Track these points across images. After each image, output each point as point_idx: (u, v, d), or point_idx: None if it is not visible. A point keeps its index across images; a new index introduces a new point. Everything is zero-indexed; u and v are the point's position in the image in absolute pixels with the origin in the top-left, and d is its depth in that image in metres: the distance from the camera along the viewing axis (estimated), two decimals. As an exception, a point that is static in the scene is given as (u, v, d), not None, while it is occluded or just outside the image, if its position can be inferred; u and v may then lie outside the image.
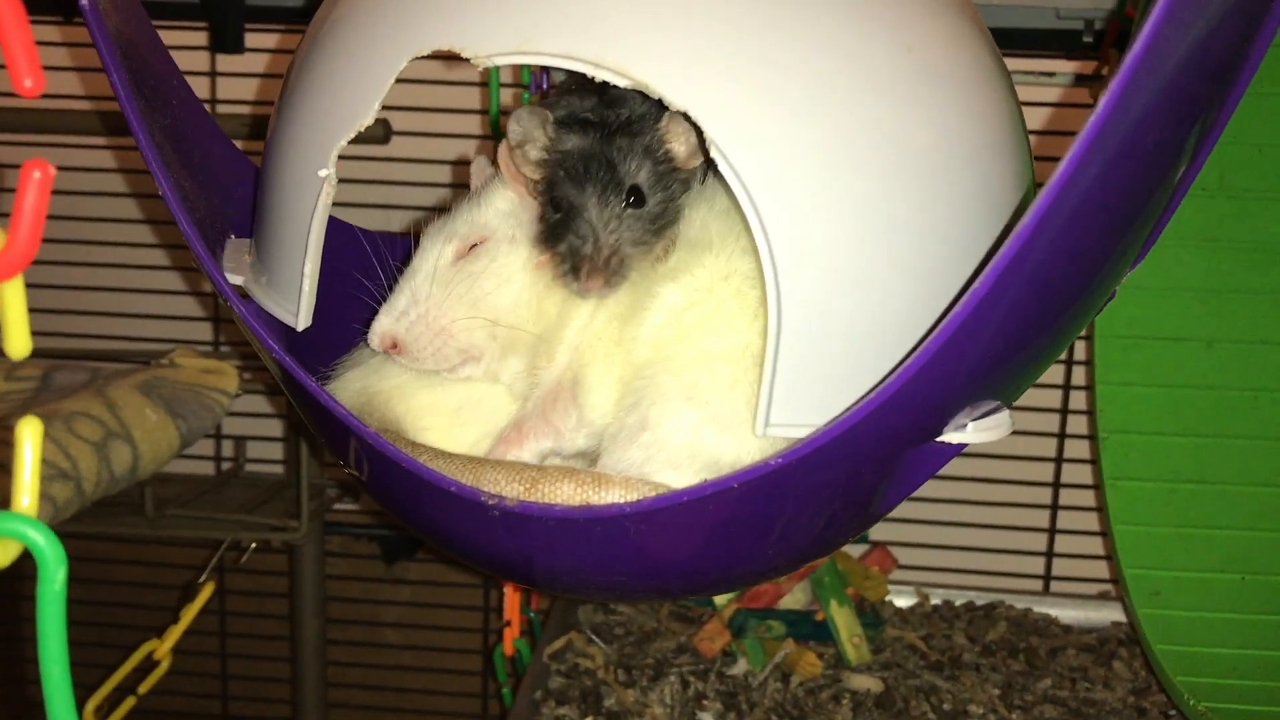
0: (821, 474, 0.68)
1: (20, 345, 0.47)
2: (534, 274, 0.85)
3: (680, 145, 0.81)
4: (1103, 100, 0.53)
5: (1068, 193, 0.56)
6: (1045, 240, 0.58)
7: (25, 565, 0.46)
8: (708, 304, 0.79)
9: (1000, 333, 0.64)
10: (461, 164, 1.50)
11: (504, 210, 0.87)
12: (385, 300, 0.87)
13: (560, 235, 0.80)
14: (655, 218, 0.81)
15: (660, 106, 0.80)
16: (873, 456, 0.69)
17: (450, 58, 0.69)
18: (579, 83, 0.85)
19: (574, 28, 0.67)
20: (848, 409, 0.64)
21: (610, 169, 0.80)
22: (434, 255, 0.86)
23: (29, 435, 0.46)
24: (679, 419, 0.77)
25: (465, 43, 0.68)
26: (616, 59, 0.65)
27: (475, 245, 0.87)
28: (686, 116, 0.66)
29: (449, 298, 0.85)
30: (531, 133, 0.82)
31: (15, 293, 0.46)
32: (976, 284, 0.59)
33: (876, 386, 0.64)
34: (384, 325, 0.85)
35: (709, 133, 0.65)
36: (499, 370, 0.87)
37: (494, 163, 0.90)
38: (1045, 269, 0.61)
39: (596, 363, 0.83)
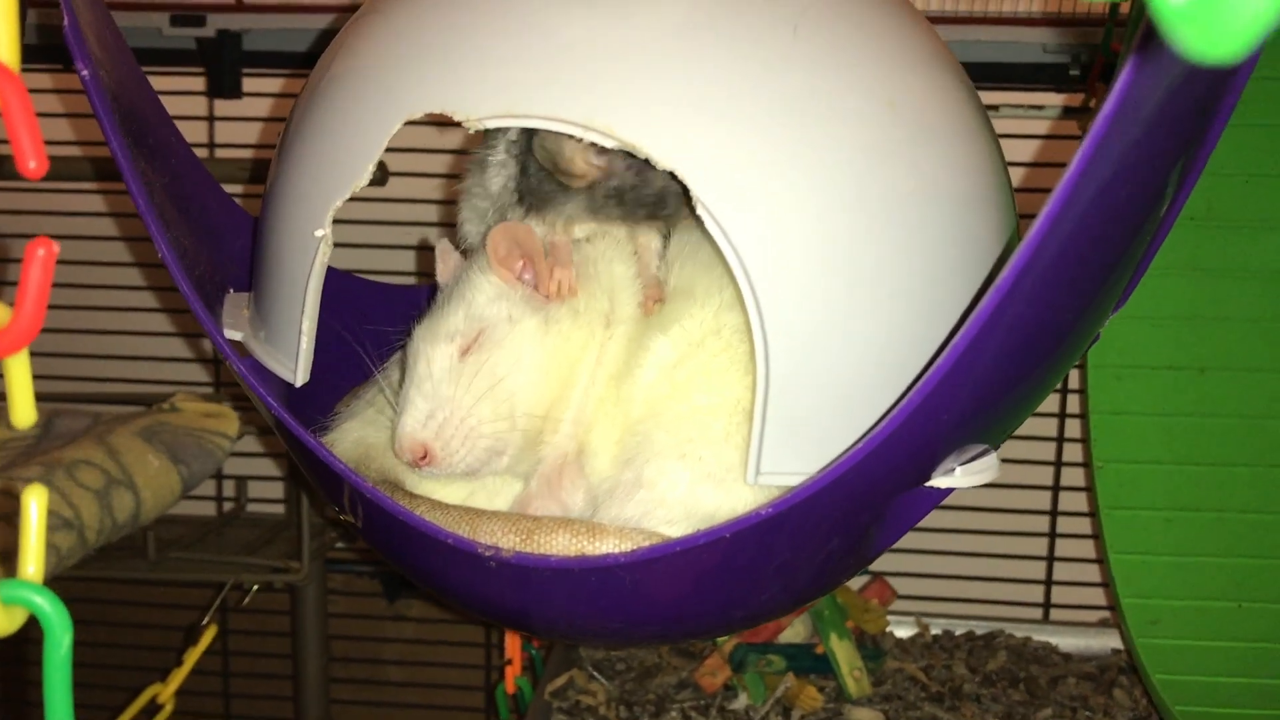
0: (813, 521, 0.69)
1: (25, 416, 0.48)
2: (542, 343, 0.84)
3: None
4: (1076, 157, 0.54)
5: (1046, 246, 0.57)
6: (1025, 291, 0.59)
7: (30, 628, 0.47)
8: (698, 358, 0.81)
9: (985, 380, 0.65)
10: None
11: (492, 295, 0.85)
12: (396, 406, 0.85)
13: (540, 160, 0.81)
14: (637, 190, 0.82)
15: None
16: (863, 503, 0.70)
17: (442, 120, 0.71)
18: None
19: (562, 90, 0.68)
20: (837, 458, 0.66)
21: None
22: (440, 356, 0.84)
23: (35, 502, 0.47)
24: (674, 477, 0.78)
25: (457, 106, 0.69)
26: (604, 120, 0.67)
27: (477, 336, 0.84)
28: (673, 176, 0.67)
29: (471, 395, 0.82)
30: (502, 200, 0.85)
31: (21, 366, 0.48)
32: (959, 335, 0.60)
33: (865, 435, 0.65)
34: (411, 434, 0.81)
35: (695, 191, 0.67)
36: (520, 463, 0.86)
37: (462, 249, 0.92)
38: (1027, 318, 0.63)
39: (599, 426, 0.83)
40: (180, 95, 1.51)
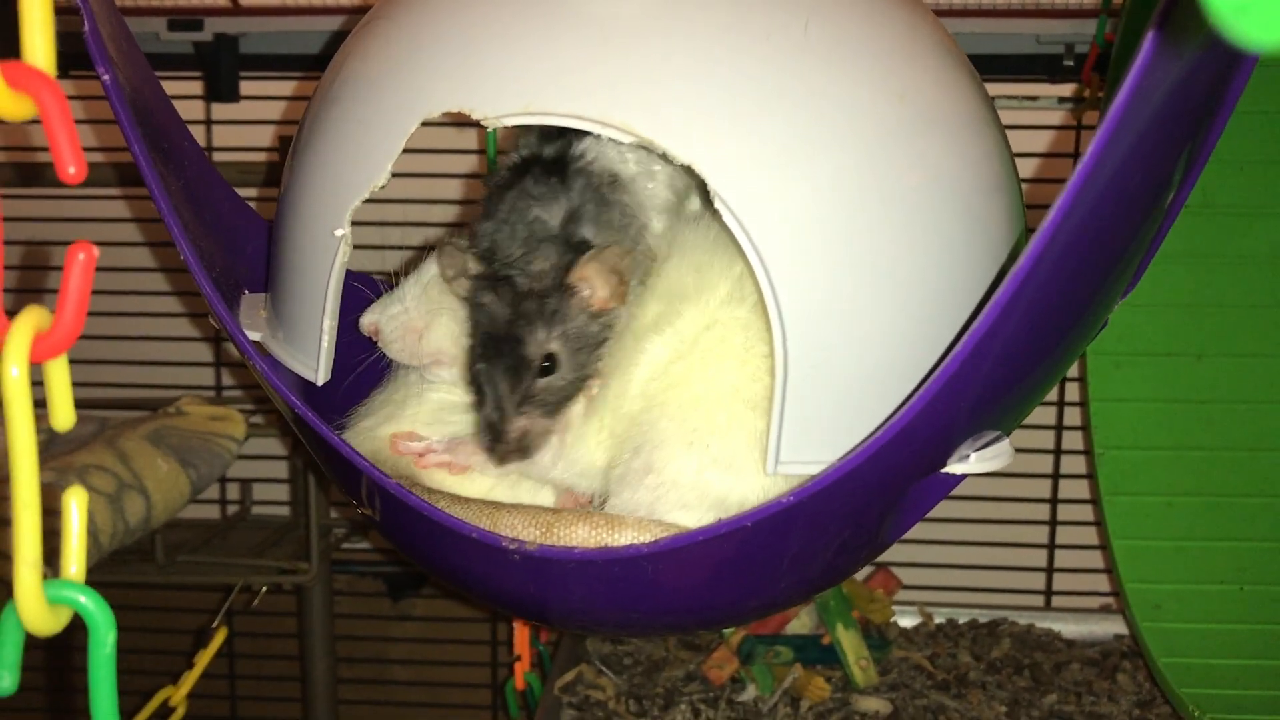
0: (831, 509, 0.70)
1: (65, 419, 0.49)
2: None
3: (601, 288, 0.80)
4: (1092, 143, 0.55)
5: (1059, 236, 0.58)
6: (1042, 276, 0.60)
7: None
8: (692, 354, 0.81)
9: (999, 368, 0.66)
10: (461, 203, 1.52)
11: None
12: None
13: (478, 406, 0.82)
14: (573, 377, 0.81)
15: (573, 259, 0.79)
16: (880, 490, 0.71)
17: (460, 119, 0.71)
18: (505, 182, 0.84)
19: (580, 88, 0.69)
20: (855, 446, 0.66)
21: (518, 344, 0.79)
22: (434, 268, 0.90)
23: (75, 503, 0.48)
24: (683, 461, 0.79)
25: (474, 104, 0.70)
26: (622, 117, 0.68)
27: None
28: (690, 171, 0.68)
29: (430, 305, 0.89)
30: (458, 269, 0.83)
31: (60, 370, 0.48)
32: (978, 321, 0.61)
33: (883, 424, 0.66)
34: (370, 315, 0.91)
35: (713, 185, 0.68)
36: None
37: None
38: (1043, 303, 0.64)
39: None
40: (178, 99, 1.50)
